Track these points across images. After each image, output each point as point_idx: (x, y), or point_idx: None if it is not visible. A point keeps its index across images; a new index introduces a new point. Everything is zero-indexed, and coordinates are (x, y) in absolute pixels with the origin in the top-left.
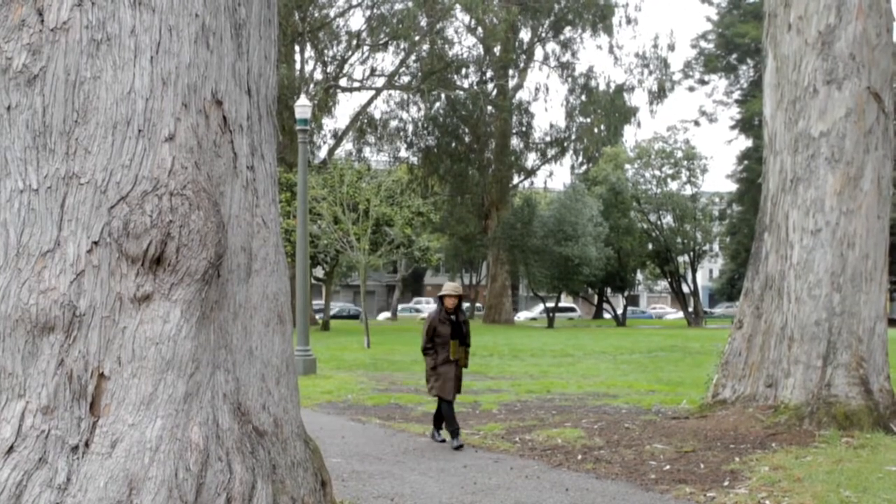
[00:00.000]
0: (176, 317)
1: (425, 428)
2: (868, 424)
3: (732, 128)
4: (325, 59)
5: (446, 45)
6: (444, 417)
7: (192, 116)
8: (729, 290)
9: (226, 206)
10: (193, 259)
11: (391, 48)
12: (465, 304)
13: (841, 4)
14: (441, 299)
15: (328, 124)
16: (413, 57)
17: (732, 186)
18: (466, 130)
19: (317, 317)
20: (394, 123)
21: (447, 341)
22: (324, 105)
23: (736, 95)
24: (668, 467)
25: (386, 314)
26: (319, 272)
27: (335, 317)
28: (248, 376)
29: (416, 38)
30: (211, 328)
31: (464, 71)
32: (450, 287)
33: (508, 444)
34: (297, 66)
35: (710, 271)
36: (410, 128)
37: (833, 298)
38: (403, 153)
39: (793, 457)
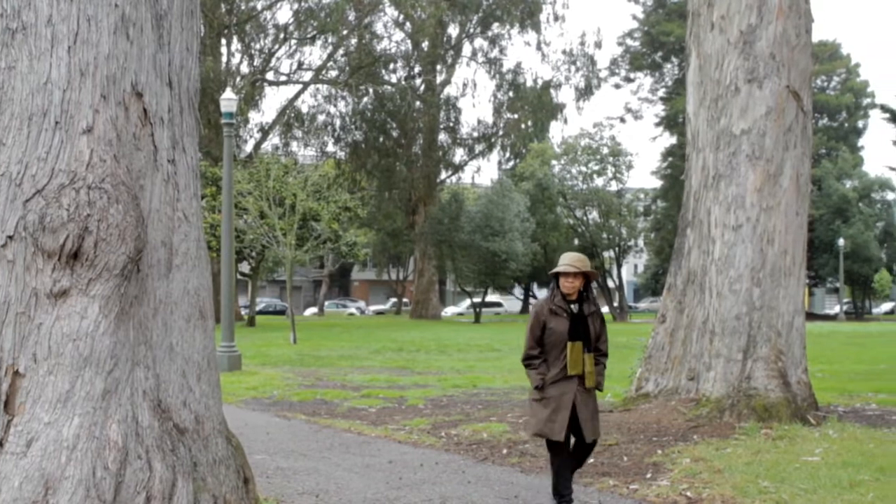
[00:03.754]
0: (94, 312)
1: (351, 424)
2: (786, 416)
3: (657, 125)
4: (252, 52)
5: (375, 40)
6: (553, 471)
7: (111, 108)
8: (653, 285)
9: (146, 200)
10: (112, 254)
11: (319, 42)
12: (393, 300)
13: (762, 5)
14: (556, 278)
15: (255, 118)
16: (341, 51)
17: (657, 183)
18: (394, 125)
19: (242, 312)
20: (321, 118)
21: (563, 344)
22: (250, 99)
23: (661, 93)
24: (591, 460)
25: (313, 310)
26: (245, 267)
27: (261, 312)
28: (168, 373)
29: (345, 32)
30: (130, 324)
31: (392, 66)
32: (570, 259)
33: (434, 439)
34: (224, 59)
35: (635, 266)
36: (338, 122)
37: (753, 293)
38: (331, 148)
39: (713, 449)
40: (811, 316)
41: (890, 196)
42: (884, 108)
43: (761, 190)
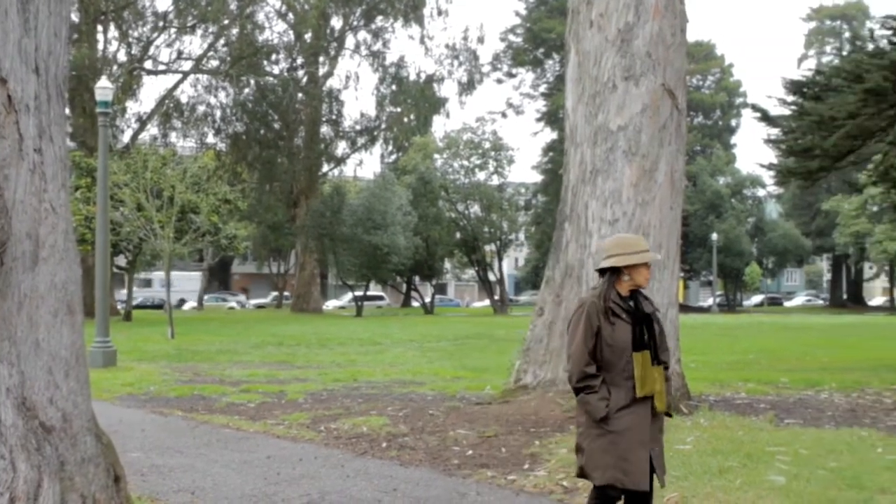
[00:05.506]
0: None
1: (229, 419)
2: None
3: (538, 120)
4: (130, 39)
5: (256, 30)
6: None
7: None
8: (534, 278)
9: (10, 190)
10: None
11: (199, 31)
12: (274, 293)
13: (639, 4)
14: (613, 274)
15: (132, 108)
16: (222, 41)
17: (538, 177)
18: (276, 117)
19: (119, 307)
20: (201, 108)
21: (628, 356)
22: (128, 88)
23: (542, 89)
24: (470, 452)
25: (192, 304)
26: (122, 261)
27: (138, 307)
28: (34, 370)
29: (226, 21)
30: None
31: (274, 57)
32: (637, 243)
33: (314, 434)
34: (100, 46)
35: (516, 260)
36: (218, 113)
37: None
38: (211, 139)
39: None
40: (686, 308)
41: (760, 192)
42: (755, 108)
43: (637, 185)
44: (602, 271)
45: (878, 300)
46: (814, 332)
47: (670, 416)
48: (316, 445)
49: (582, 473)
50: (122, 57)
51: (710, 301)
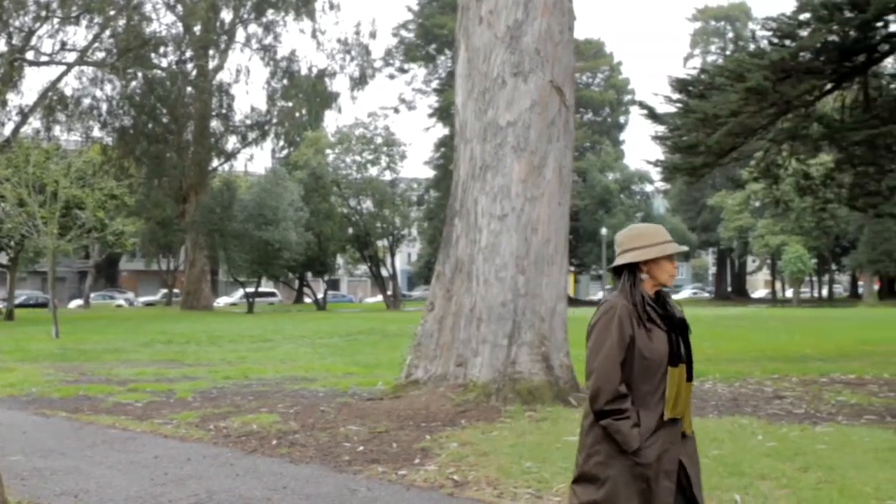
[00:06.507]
0: None
1: (115, 419)
2: (549, 399)
3: (430, 116)
4: (11, 29)
5: (144, 22)
6: None
7: None
8: (427, 273)
9: None
10: None
11: (84, 22)
12: (164, 291)
13: (528, 1)
14: (634, 269)
15: (13, 100)
16: (108, 32)
17: (430, 173)
18: (165, 111)
19: (0, 306)
20: (87, 101)
21: (664, 371)
22: (8, 79)
23: (434, 84)
24: (361, 448)
25: (78, 302)
26: (3, 258)
27: (21, 305)
28: None
29: (112, 12)
30: None
31: (162, 49)
32: (643, 234)
33: (203, 433)
34: None
35: (409, 255)
36: (105, 106)
37: (518, 280)
38: (97, 133)
39: (480, 432)
40: (577, 302)
41: (648, 188)
42: (642, 105)
43: (526, 181)
44: (618, 271)
45: (760, 292)
46: (700, 325)
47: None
48: (205, 444)
49: None
50: (2, 47)
51: (600, 294)
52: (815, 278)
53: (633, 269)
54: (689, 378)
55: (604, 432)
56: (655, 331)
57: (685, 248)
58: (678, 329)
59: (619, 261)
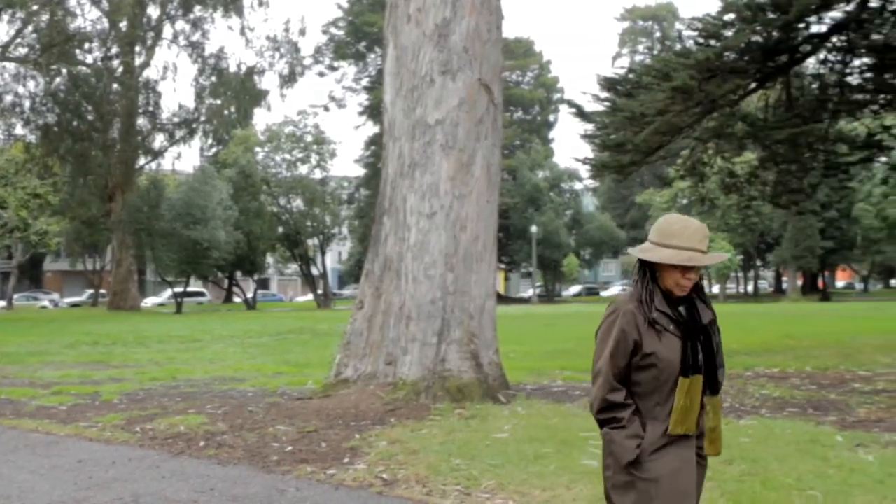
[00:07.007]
0: None
1: (38, 423)
2: (478, 396)
3: (361, 114)
4: None
5: (68, 17)
6: None
7: None
8: (357, 272)
9: None
10: None
11: (5, 17)
12: (90, 291)
13: (455, 0)
14: (649, 268)
15: None
16: (31, 27)
17: (361, 171)
18: (90, 108)
19: None
20: (9, 98)
21: (673, 381)
22: None
23: (364, 82)
24: (290, 448)
25: (0, 303)
26: None
27: None
28: None
29: (35, 7)
30: None
31: (87, 45)
32: (696, 234)
33: (129, 435)
34: None
35: (340, 254)
36: (28, 103)
37: (447, 278)
38: (20, 130)
39: (409, 430)
40: (507, 299)
41: (578, 186)
42: (570, 104)
43: (454, 179)
44: (643, 264)
45: None
46: None
47: (717, 452)
48: (130, 447)
49: None
50: None
51: (530, 292)
52: (740, 274)
53: (645, 263)
54: (714, 391)
55: (610, 439)
56: (667, 336)
57: (726, 256)
58: (696, 336)
59: (631, 251)
